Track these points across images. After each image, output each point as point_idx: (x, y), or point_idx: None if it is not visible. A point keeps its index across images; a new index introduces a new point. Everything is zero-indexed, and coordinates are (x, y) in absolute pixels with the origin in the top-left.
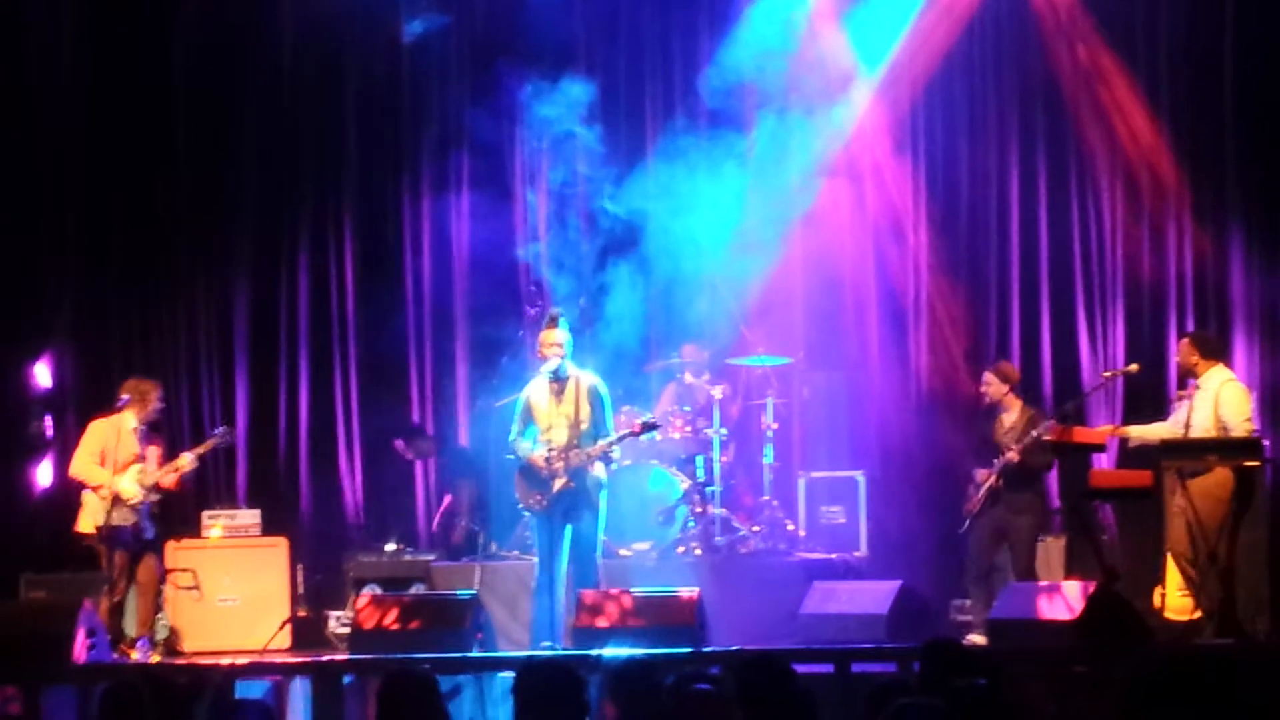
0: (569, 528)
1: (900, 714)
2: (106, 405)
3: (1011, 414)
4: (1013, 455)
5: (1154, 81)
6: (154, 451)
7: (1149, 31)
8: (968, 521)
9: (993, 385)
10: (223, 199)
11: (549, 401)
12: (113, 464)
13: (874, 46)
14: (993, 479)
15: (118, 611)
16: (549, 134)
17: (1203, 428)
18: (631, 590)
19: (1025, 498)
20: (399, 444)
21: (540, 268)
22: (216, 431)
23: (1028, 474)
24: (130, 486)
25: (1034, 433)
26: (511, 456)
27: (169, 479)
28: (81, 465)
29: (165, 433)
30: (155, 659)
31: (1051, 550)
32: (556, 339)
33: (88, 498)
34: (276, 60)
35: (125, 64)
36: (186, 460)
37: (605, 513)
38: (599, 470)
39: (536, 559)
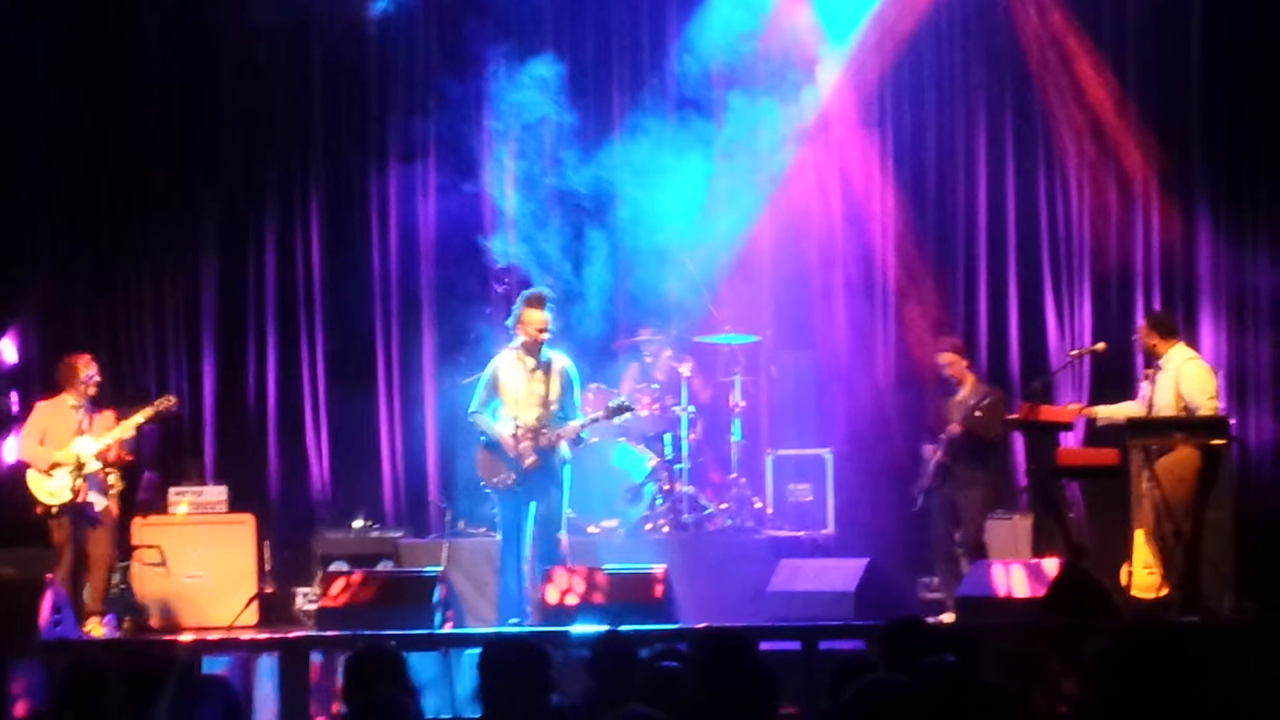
0: (533, 504)
1: (865, 691)
2: (60, 374)
3: (965, 388)
4: (955, 428)
5: (1121, 60)
6: (106, 420)
7: (1117, 9)
8: (919, 499)
9: (952, 363)
10: (190, 175)
11: (521, 379)
12: (54, 444)
13: (841, 24)
14: (939, 455)
15: (78, 586)
16: (516, 112)
17: (1165, 406)
18: (599, 567)
19: (973, 473)
20: None
21: (507, 245)
22: (158, 400)
23: (976, 448)
24: (67, 456)
25: (971, 404)
26: (475, 427)
27: (108, 445)
28: (25, 448)
29: (116, 401)
30: (122, 635)
31: (1019, 528)
32: (542, 320)
33: (33, 476)
34: (243, 36)
35: (91, 40)
36: (125, 427)
37: (569, 489)
38: (565, 449)
39: (500, 536)
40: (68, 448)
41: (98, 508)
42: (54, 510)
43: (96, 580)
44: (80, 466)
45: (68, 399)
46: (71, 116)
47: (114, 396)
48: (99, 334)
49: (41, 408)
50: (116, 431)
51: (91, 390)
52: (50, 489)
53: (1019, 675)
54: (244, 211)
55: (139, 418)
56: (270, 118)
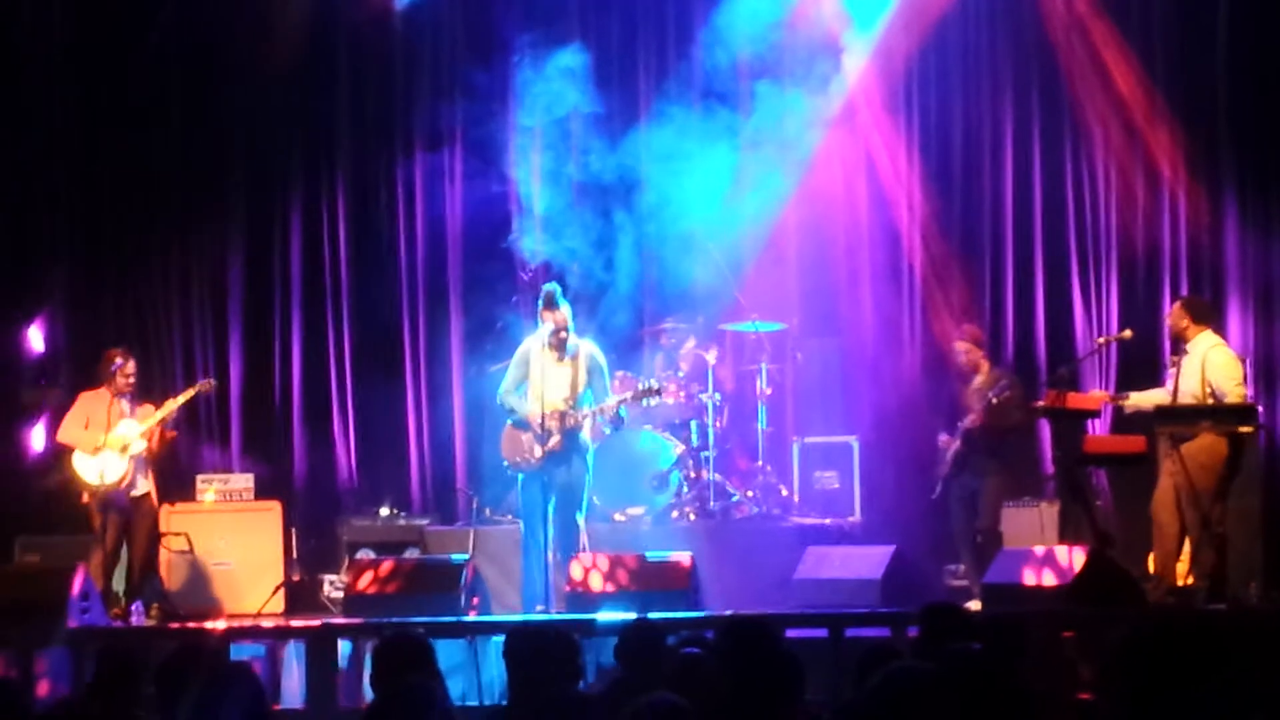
0: (557, 488)
1: (891, 678)
2: (99, 369)
3: (981, 376)
4: (973, 418)
5: (1148, 46)
6: (146, 412)
7: None
8: (939, 487)
9: (969, 352)
10: (215, 162)
11: (548, 361)
12: (98, 430)
13: (868, 10)
14: (956, 444)
15: (110, 573)
16: (542, 100)
17: (1189, 394)
18: (626, 554)
19: (989, 462)
20: None
21: (533, 234)
22: (199, 384)
23: (993, 437)
24: (116, 439)
25: (990, 395)
26: (504, 407)
27: (151, 427)
28: (68, 431)
29: (144, 387)
30: (149, 622)
31: (1045, 516)
32: (560, 319)
33: (79, 458)
34: (269, 22)
35: (116, 25)
36: (166, 407)
37: (593, 475)
38: (587, 433)
39: (521, 520)
40: (113, 430)
41: (138, 491)
42: (99, 493)
43: (134, 567)
44: (125, 448)
45: (106, 392)
46: (97, 104)
47: (142, 384)
48: (126, 323)
49: (86, 397)
50: (159, 414)
51: (127, 384)
52: (97, 471)
53: (1045, 663)
54: (270, 199)
55: (180, 399)
56: (297, 106)
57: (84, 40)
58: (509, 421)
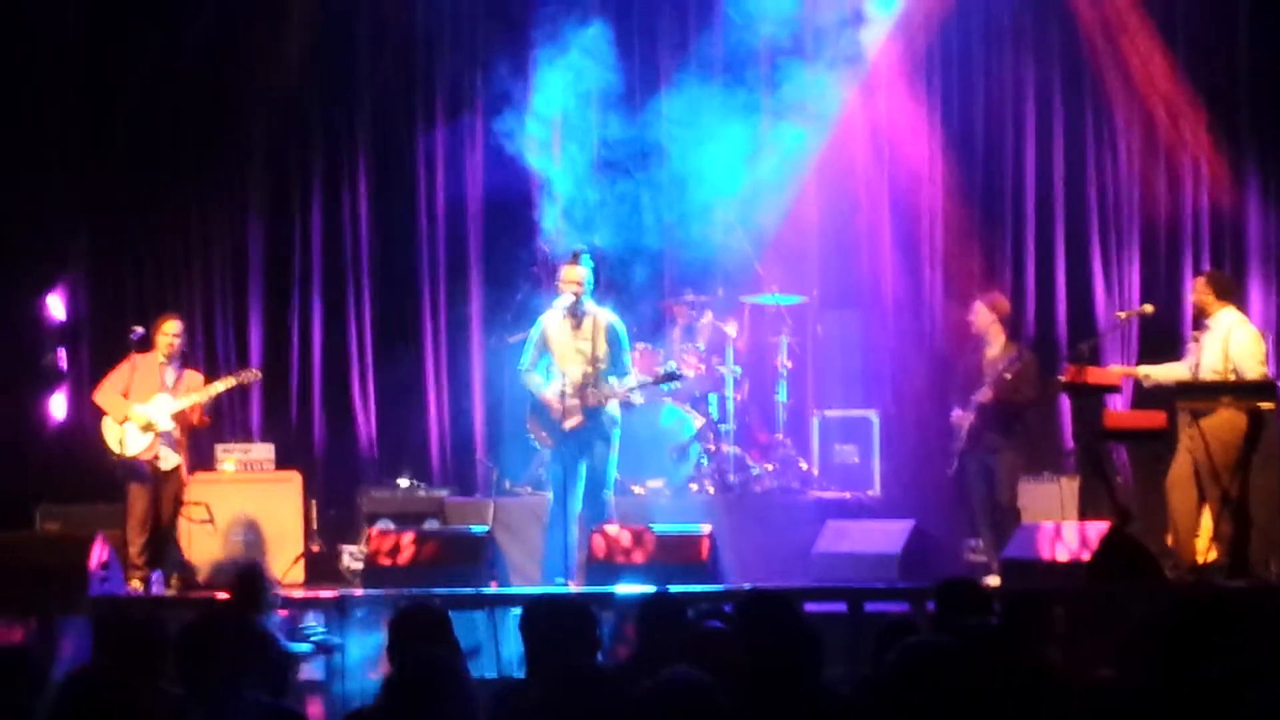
0: (583, 464)
1: (909, 652)
2: (119, 338)
3: (994, 348)
4: (985, 393)
5: (1170, 19)
6: (193, 379)
7: None
8: (955, 463)
9: (980, 315)
10: (236, 130)
11: (565, 334)
12: (137, 398)
13: None
14: (970, 418)
15: (134, 542)
16: (564, 72)
17: (1210, 369)
18: (645, 527)
19: (1004, 438)
20: None
21: (554, 205)
22: (242, 371)
23: (1006, 412)
24: (141, 414)
25: (1001, 369)
26: (522, 383)
27: (185, 408)
28: (104, 395)
29: (200, 364)
30: (169, 592)
31: (1065, 491)
32: (577, 275)
33: (108, 425)
34: None
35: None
36: (205, 393)
37: (618, 450)
38: (613, 408)
39: (550, 494)
40: (150, 401)
41: (167, 465)
42: (118, 460)
43: (155, 537)
44: (149, 426)
45: (156, 356)
46: (116, 75)
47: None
48: (145, 292)
49: (134, 360)
50: (196, 395)
51: (176, 350)
52: (118, 438)
53: (1064, 638)
54: (291, 170)
55: (220, 385)
56: (317, 76)
57: (100, 10)
58: (530, 401)
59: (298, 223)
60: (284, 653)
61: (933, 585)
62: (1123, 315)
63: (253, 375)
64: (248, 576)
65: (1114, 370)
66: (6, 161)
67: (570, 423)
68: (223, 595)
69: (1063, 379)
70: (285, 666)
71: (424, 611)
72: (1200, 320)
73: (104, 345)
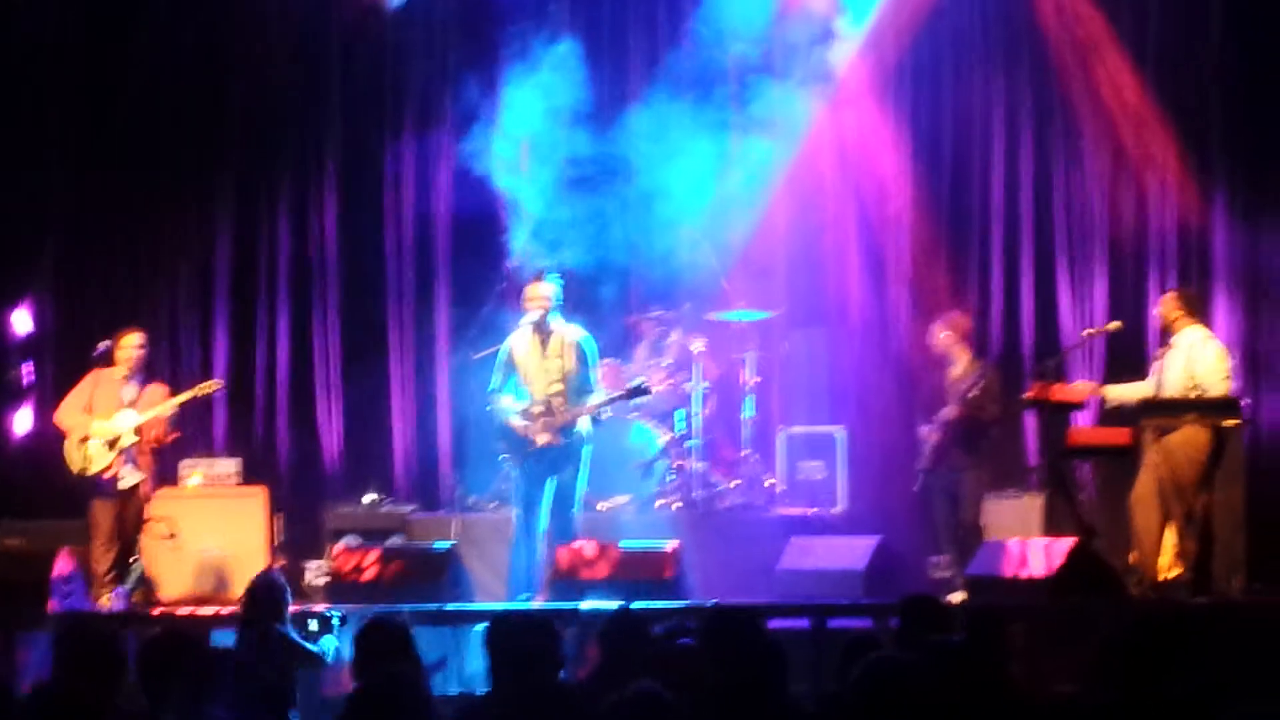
0: (550, 481)
1: (872, 668)
2: (86, 352)
3: (958, 366)
4: (951, 411)
5: (1140, 36)
6: (155, 393)
7: None
8: (920, 479)
9: (940, 337)
10: (204, 144)
11: (532, 353)
12: (99, 413)
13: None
14: (935, 435)
15: (99, 558)
16: (532, 87)
17: (1174, 386)
18: (612, 543)
19: (968, 455)
20: None
21: (521, 221)
22: (203, 383)
23: (971, 430)
24: (103, 429)
25: (964, 388)
26: (490, 408)
27: (148, 421)
28: (66, 412)
29: (164, 378)
30: (131, 608)
31: (1029, 508)
32: (542, 292)
33: (70, 446)
34: (261, 4)
35: (104, 4)
36: (166, 407)
37: (588, 468)
38: (584, 425)
39: (516, 511)
40: (111, 419)
41: (125, 484)
42: (83, 475)
43: (118, 553)
44: (113, 442)
45: (118, 370)
46: (84, 84)
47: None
48: (114, 305)
49: (93, 375)
50: (159, 408)
51: (137, 365)
52: (81, 456)
53: (1028, 654)
54: (258, 182)
55: (182, 397)
56: (286, 88)
57: (67, 19)
58: (498, 422)
59: (264, 236)
60: (306, 655)
61: (897, 602)
62: (1089, 332)
63: (214, 386)
64: (266, 586)
65: (1079, 386)
66: None
67: (541, 440)
68: (240, 606)
69: (1027, 396)
70: (249, 685)
71: (387, 627)
72: (1165, 337)
73: (70, 359)
